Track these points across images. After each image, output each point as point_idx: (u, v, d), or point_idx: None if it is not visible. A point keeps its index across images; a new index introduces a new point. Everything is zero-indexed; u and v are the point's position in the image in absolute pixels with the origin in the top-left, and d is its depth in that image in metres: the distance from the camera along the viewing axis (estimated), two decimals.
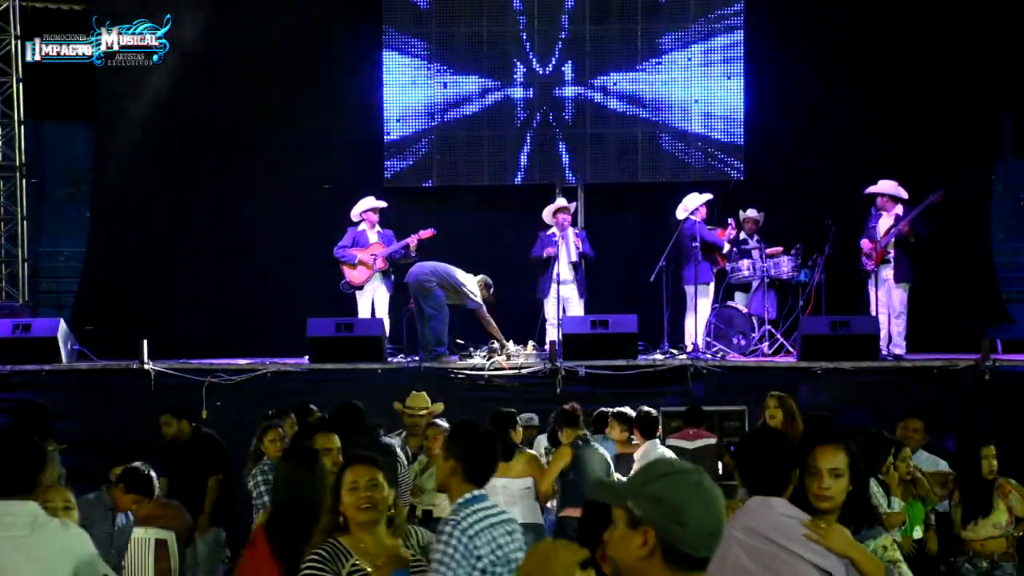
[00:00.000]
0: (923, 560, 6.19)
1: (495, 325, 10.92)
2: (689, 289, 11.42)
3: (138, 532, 6.85)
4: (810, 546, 3.29)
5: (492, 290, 11.18)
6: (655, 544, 2.09)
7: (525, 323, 11.60)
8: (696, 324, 11.31)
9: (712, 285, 11.52)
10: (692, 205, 11.44)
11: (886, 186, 10.87)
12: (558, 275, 11.12)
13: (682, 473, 2.15)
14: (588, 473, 6.81)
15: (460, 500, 3.67)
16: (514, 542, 3.68)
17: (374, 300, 11.50)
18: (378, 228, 11.58)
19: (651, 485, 2.12)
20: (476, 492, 3.69)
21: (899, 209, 10.80)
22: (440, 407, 7.66)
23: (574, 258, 11.38)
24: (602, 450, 7.10)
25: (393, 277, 11.50)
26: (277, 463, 4.70)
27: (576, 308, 11.40)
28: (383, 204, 11.73)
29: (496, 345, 10.76)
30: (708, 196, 11.58)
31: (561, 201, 11.85)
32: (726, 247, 11.59)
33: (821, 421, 6.52)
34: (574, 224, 11.90)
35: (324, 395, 8.44)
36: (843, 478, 3.55)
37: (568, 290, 11.32)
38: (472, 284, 10.95)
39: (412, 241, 11.35)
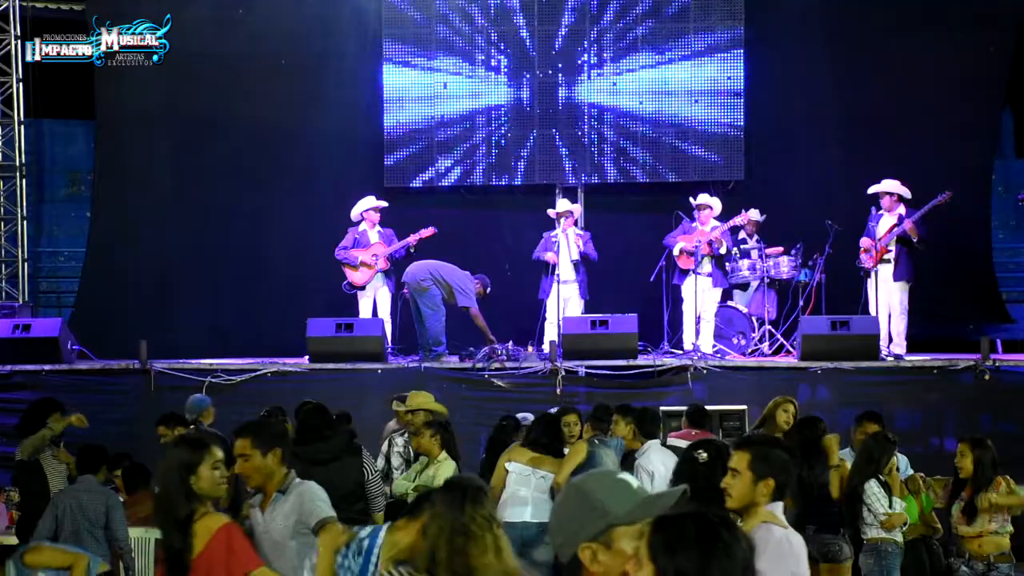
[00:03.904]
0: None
1: (485, 323, 10.90)
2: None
3: (138, 532, 6.88)
4: None
5: (488, 290, 11.18)
6: None
7: (525, 323, 11.60)
8: (694, 323, 11.30)
9: (684, 287, 11.31)
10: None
11: (892, 185, 10.87)
12: (558, 275, 11.12)
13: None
14: None
15: None
16: None
17: (376, 300, 11.49)
18: (379, 228, 11.57)
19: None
20: None
21: (902, 208, 10.80)
22: (441, 408, 7.61)
23: (575, 258, 11.37)
24: (613, 454, 7.09)
25: (395, 277, 11.50)
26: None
27: (576, 308, 11.39)
28: (384, 204, 11.71)
29: (491, 346, 10.72)
30: (702, 199, 11.41)
31: (564, 203, 11.84)
32: (677, 247, 11.24)
33: (810, 423, 6.59)
34: (577, 225, 11.88)
35: (324, 395, 8.42)
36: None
37: (569, 290, 11.32)
38: (467, 282, 10.94)
39: (413, 240, 11.34)
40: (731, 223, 11.24)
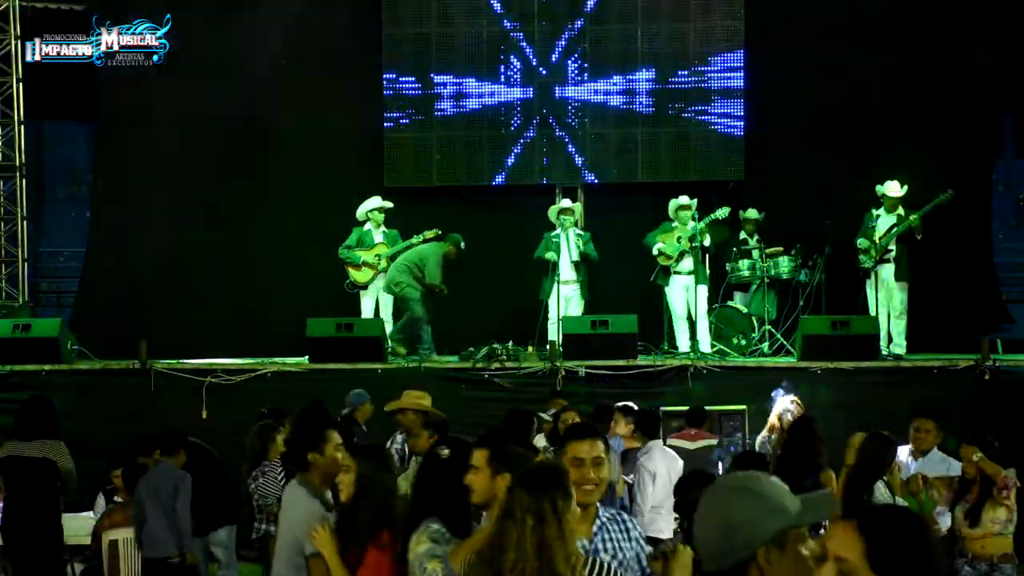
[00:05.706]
0: None
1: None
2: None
3: (125, 533, 6.92)
4: None
5: (463, 244, 11.34)
6: None
7: (525, 323, 11.59)
8: (684, 325, 11.29)
9: (668, 288, 11.27)
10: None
11: (895, 187, 10.86)
12: (559, 275, 11.12)
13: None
14: None
15: None
16: None
17: (378, 300, 11.51)
18: (383, 228, 11.59)
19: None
20: None
21: (901, 209, 10.80)
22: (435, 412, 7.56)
23: (575, 258, 11.36)
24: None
25: None
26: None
27: (577, 308, 11.38)
28: (389, 204, 11.72)
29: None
30: (680, 201, 11.37)
31: (565, 202, 11.85)
32: (655, 246, 11.21)
33: (803, 423, 6.62)
34: (578, 225, 11.87)
35: (324, 395, 8.41)
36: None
37: (570, 290, 11.31)
38: (435, 255, 11.10)
39: (416, 241, 11.39)
40: (709, 217, 11.18)
